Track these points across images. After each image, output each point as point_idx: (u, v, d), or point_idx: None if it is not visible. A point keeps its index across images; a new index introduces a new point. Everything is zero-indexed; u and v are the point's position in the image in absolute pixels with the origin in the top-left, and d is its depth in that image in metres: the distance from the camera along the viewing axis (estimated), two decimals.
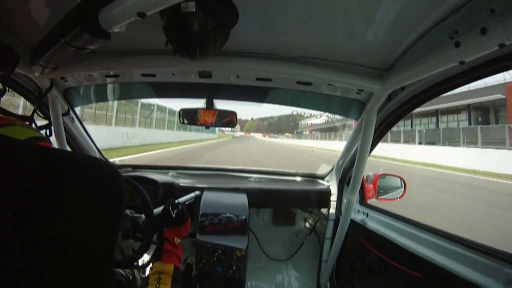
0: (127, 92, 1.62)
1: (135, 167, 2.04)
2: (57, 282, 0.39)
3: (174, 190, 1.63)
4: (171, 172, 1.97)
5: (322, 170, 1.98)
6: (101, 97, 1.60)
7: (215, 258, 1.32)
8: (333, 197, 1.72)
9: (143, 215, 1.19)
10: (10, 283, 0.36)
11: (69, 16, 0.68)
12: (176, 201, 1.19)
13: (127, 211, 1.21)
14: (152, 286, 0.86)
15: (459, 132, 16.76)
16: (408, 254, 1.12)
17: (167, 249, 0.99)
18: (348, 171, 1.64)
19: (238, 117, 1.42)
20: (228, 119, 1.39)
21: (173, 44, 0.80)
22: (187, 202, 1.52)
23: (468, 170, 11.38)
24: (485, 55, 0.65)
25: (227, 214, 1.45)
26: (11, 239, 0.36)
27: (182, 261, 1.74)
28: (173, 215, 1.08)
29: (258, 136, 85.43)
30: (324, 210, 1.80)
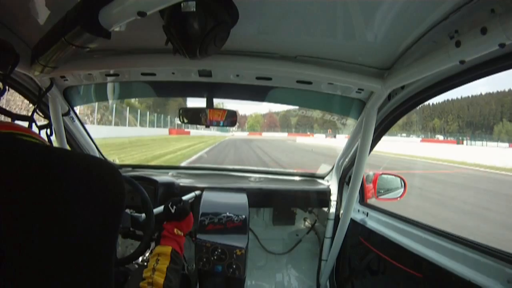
0: (127, 91, 1.62)
1: (135, 167, 2.05)
2: (58, 281, 0.39)
3: (174, 190, 1.63)
4: (171, 172, 1.97)
5: (322, 169, 1.99)
6: (101, 96, 1.60)
7: (215, 257, 1.32)
8: (333, 197, 1.72)
9: (143, 215, 1.19)
10: (9, 283, 0.36)
11: (69, 14, 0.68)
12: (182, 198, 1.21)
13: (127, 211, 1.21)
14: (150, 266, 0.90)
15: None
16: (408, 254, 1.12)
17: (165, 235, 1.03)
18: (348, 170, 1.64)
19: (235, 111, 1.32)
20: (229, 118, 1.40)
21: (173, 43, 0.80)
22: None
23: None
24: (485, 54, 0.65)
25: (227, 213, 1.45)
26: (8, 239, 0.36)
27: None
28: (172, 211, 1.10)
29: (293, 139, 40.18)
30: (324, 210, 1.81)
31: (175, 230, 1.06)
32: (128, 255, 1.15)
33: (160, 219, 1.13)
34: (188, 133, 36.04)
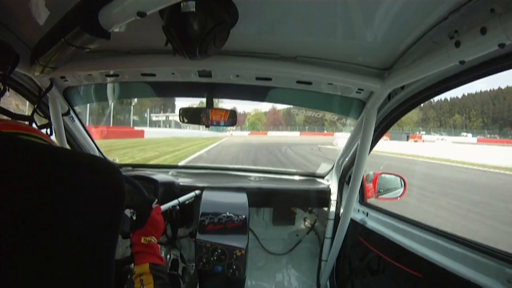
0: (127, 92, 1.62)
1: (135, 166, 2.05)
2: (58, 282, 0.39)
3: (174, 189, 1.63)
4: (171, 171, 1.97)
5: (322, 169, 1.99)
6: (101, 96, 1.60)
7: (215, 257, 1.32)
8: (333, 196, 1.72)
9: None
10: (10, 283, 0.36)
11: (69, 15, 0.68)
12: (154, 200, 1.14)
13: (127, 211, 1.21)
14: None
15: None
16: (408, 254, 1.12)
17: (136, 251, 0.98)
18: (348, 170, 1.64)
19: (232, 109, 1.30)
20: (229, 119, 1.40)
21: (173, 44, 0.80)
22: (187, 202, 1.53)
23: None
24: (485, 54, 0.65)
25: (227, 213, 1.45)
26: (9, 238, 0.36)
27: (168, 259, 1.75)
28: (134, 219, 1.06)
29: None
30: (324, 209, 1.81)
31: (143, 239, 1.00)
32: (128, 255, 1.15)
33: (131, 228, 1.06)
34: (141, 133, 20.25)
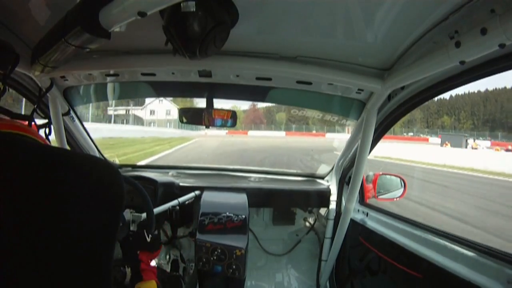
0: (127, 91, 1.62)
1: (135, 167, 2.05)
2: (57, 282, 0.39)
3: (174, 190, 1.63)
4: (171, 172, 1.97)
5: (322, 169, 1.99)
6: (101, 96, 1.60)
7: (215, 257, 1.32)
8: (333, 197, 1.72)
9: (143, 214, 1.19)
10: (10, 283, 0.36)
11: (70, 15, 0.68)
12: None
13: (127, 211, 1.21)
14: None
15: None
16: (408, 254, 1.12)
17: (144, 268, 1.05)
18: (348, 170, 1.64)
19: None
20: (230, 118, 1.40)
21: (173, 44, 0.80)
22: (187, 202, 1.53)
23: None
24: (485, 55, 0.65)
25: (227, 213, 1.45)
26: (8, 239, 0.36)
27: (167, 260, 1.77)
28: (148, 240, 1.09)
29: None
30: (324, 210, 1.81)
31: (150, 260, 1.08)
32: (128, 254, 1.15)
33: (134, 243, 1.10)
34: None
